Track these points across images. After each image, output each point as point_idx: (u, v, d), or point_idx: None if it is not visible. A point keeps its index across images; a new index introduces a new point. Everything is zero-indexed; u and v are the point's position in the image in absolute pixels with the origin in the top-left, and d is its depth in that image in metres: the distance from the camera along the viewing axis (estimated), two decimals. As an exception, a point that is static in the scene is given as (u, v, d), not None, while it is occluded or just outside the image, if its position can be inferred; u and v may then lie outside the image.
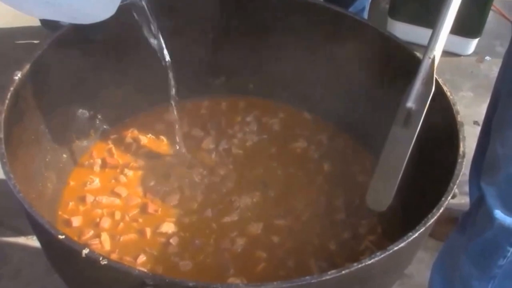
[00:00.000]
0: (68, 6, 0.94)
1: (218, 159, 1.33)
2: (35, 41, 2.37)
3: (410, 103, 0.99)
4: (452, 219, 1.58)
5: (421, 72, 0.99)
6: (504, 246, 1.28)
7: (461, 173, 0.94)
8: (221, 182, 1.28)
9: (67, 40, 1.16)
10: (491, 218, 1.25)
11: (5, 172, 0.87)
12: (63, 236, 0.78)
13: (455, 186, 0.92)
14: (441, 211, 0.89)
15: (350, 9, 1.89)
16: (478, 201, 1.32)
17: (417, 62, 1.00)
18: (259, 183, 1.28)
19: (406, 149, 1.00)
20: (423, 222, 0.86)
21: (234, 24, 1.35)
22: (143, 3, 1.08)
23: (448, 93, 1.07)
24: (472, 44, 2.44)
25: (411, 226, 0.88)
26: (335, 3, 1.97)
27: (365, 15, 1.97)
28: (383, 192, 1.05)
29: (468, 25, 2.31)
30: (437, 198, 0.92)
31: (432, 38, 0.99)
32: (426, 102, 0.98)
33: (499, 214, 1.24)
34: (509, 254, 1.29)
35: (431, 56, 0.99)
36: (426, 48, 1.00)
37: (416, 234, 0.85)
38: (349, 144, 1.38)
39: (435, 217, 0.88)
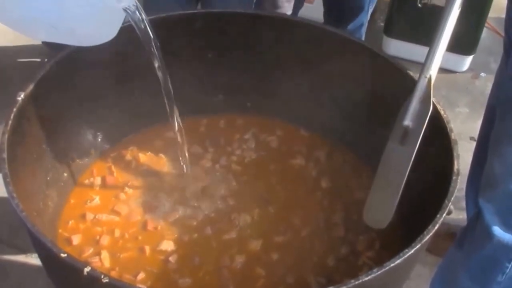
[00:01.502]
0: (71, 30, 0.96)
1: (217, 176, 1.34)
2: (37, 60, 2.40)
3: (407, 121, 1.00)
4: (450, 234, 1.60)
5: (418, 90, 1.00)
6: (503, 262, 1.28)
7: (456, 190, 0.96)
8: (220, 199, 1.29)
9: (69, 61, 1.18)
10: (489, 234, 1.25)
11: (8, 192, 0.89)
12: (65, 255, 0.79)
13: (450, 203, 0.93)
14: (436, 228, 0.90)
15: (349, 26, 1.93)
16: (476, 217, 1.33)
17: (411, 81, 1.02)
18: (258, 200, 1.29)
19: (405, 167, 1.00)
20: (418, 239, 0.88)
21: (232, 44, 1.37)
22: (145, 23, 1.11)
23: (442, 111, 1.08)
24: (467, 61, 2.47)
25: (409, 241, 0.89)
26: (335, 21, 2.01)
27: (363, 31, 2.00)
28: (382, 209, 1.05)
29: (462, 42, 2.35)
30: (434, 214, 0.93)
31: (428, 57, 1.01)
32: (425, 121, 0.99)
33: (497, 230, 1.25)
34: (508, 270, 1.29)
35: (427, 75, 1.00)
36: (423, 67, 1.01)
37: (412, 251, 0.86)
38: (346, 160, 1.40)
39: (431, 234, 0.89)
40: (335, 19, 1.98)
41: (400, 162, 1.01)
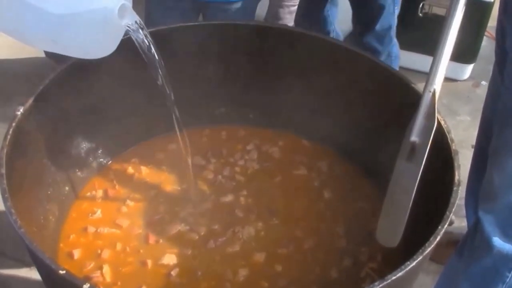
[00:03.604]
0: (71, 44, 0.97)
1: (219, 188, 1.34)
2: (41, 72, 2.41)
3: (414, 137, 0.99)
4: (452, 242, 1.59)
5: (422, 106, 0.99)
6: (503, 272, 1.28)
7: (457, 201, 0.95)
8: (223, 212, 1.29)
9: (69, 75, 1.18)
10: (489, 245, 1.25)
11: (7, 208, 0.89)
12: (64, 271, 0.79)
13: (451, 214, 0.93)
14: (438, 239, 0.89)
15: (377, 27, 1.94)
16: (475, 227, 1.32)
17: (414, 94, 1.02)
18: (262, 212, 1.28)
19: (412, 184, 0.98)
20: (420, 251, 0.87)
21: (233, 57, 1.37)
22: (149, 42, 1.10)
23: (443, 121, 1.08)
24: (468, 69, 2.47)
25: (412, 252, 0.89)
26: (361, 24, 2.01)
27: (393, 34, 2.00)
28: (393, 228, 1.03)
29: (463, 51, 2.36)
30: (436, 225, 0.93)
31: (432, 71, 1.00)
32: (430, 136, 0.97)
33: (497, 241, 1.24)
34: (508, 279, 1.29)
35: (431, 90, 0.99)
36: (426, 81, 1.00)
37: (414, 263, 0.85)
38: (348, 170, 1.39)
39: (432, 246, 0.89)
40: (360, 22, 2.01)
41: (407, 180, 0.99)
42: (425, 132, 0.98)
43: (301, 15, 1.82)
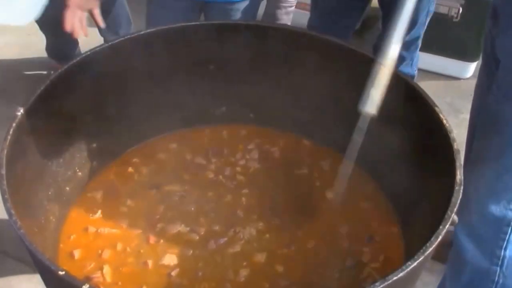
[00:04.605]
0: None
1: (221, 187, 1.34)
2: (43, 72, 2.42)
3: (367, 108, 1.05)
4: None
5: (373, 77, 1.04)
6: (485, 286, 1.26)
7: (459, 200, 0.95)
8: (224, 212, 1.28)
9: (70, 75, 1.18)
10: (465, 261, 1.23)
11: (7, 209, 0.88)
12: (63, 272, 0.79)
13: (453, 214, 0.92)
14: (439, 239, 0.89)
15: (406, 38, 1.91)
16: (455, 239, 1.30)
17: (414, 93, 1.01)
18: (263, 212, 1.28)
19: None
20: (421, 251, 0.87)
21: (233, 57, 1.37)
22: None
23: (445, 121, 1.07)
24: (471, 68, 2.47)
25: (413, 252, 0.88)
26: None
27: (419, 43, 1.97)
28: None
29: (466, 49, 2.36)
30: (437, 225, 0.92)
31: (385, 45, 1.04)
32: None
33: (474, 257, 1.22)
34: None
35: (383, 62, 1.04)
36: (379, 54, 1.05)
37: (415, 263, 0.85)
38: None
39: (434, 245, 0.88)
40: None
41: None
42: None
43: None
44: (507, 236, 1.22)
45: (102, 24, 1.57)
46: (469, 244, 1.23)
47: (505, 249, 1.24)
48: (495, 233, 1.23)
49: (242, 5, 1.75)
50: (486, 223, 1.23)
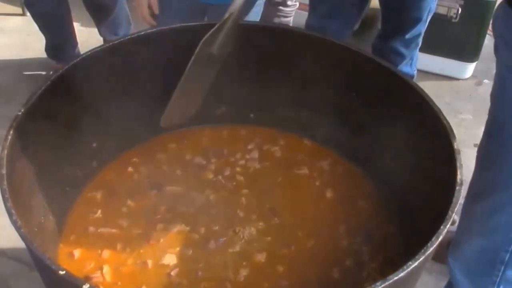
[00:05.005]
0: None
1: (220, 187, 1.34)
2: (43, 73, 2.41)
3: (214, 50, 1.21)
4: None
5: (223, 24, 1.19)
6: None
7: (459, 200, 0.95)
8: (224, 211, 1.28)
9: (70, 75, 1.18)
10: None
11: (7, 208, 0.88)
12: (63, 272, 0.78)
13: (454, 214, 0.92)
14: (440, 239, 0.89)
15: (407, 35, 1.92)
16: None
17: (415, 93, 1.01)
18: (263, 212, 1.28)
19: (209, 81, 1.25)
20: (422, 251, 0.87)
21: (234, 56, 1.37)
22: None
23: (445, 121, 1.07)
24: (470, 68, 2.47)
25: (413, 252, 0.88)
26: (392, 31, 1.99)
27: (420, 40, 1.98)
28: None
29: (465, 50, 2.36)
30: (437, 225, 0.92)
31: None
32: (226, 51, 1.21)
33: None
34: None
35: (231, 12, 1.21)
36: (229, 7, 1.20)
37: (416, 263, 0.85)
38: (349, 170, 1.39)
39: (434, 245, 0.88)
40: (391, 30, 1.96)
41: (204, 78, 1.24)
42: (223, 46, 1.22)
43: None
44: (500, 273, 1.24)
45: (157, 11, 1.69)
46: (464, 279, 1.23)
47: (498, 285, 1.25)
48: (488, 270, 1.24)
49: None
50: (480, 261, 1.24)
